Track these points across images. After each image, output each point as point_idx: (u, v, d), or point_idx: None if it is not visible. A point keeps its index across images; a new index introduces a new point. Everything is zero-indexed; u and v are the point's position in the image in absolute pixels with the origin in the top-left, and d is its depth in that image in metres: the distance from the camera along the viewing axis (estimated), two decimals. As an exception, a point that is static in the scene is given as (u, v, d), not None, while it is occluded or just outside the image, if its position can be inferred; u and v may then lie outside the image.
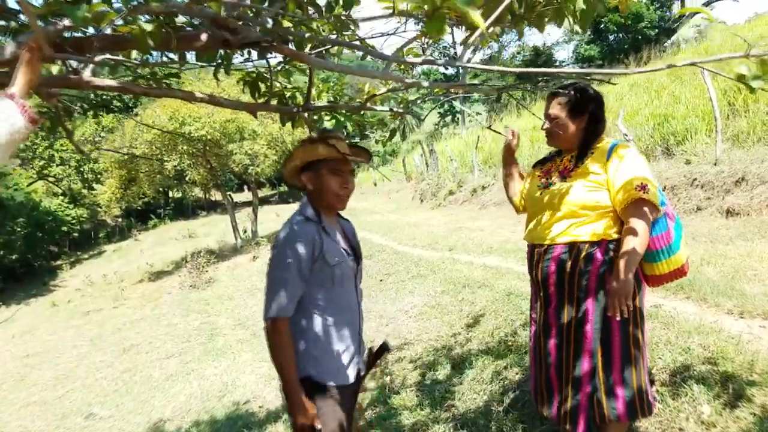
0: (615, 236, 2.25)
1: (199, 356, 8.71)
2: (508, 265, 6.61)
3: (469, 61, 3.01)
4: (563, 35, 39.07)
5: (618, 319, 2.16)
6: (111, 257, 29.93)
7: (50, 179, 35.03)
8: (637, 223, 2.15)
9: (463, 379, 3.83)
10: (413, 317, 5.68)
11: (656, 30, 29.41)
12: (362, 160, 2.27)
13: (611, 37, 34.70)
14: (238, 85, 2.90)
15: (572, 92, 2.38)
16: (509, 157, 2.82)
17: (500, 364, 3.79)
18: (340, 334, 2.12)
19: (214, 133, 18.37)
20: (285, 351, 1.95)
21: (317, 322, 2.08)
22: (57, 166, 34.44)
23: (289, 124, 2.84)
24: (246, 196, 37.38)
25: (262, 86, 2.83)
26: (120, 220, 39.79)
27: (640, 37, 30.83)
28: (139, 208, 33.26)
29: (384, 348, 2.38)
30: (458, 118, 38.72)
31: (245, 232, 22.84)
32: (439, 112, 43.09)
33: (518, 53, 39.95)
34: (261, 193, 42.77)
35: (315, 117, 2.82)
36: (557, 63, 40.39)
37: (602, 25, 32.72)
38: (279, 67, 2.82)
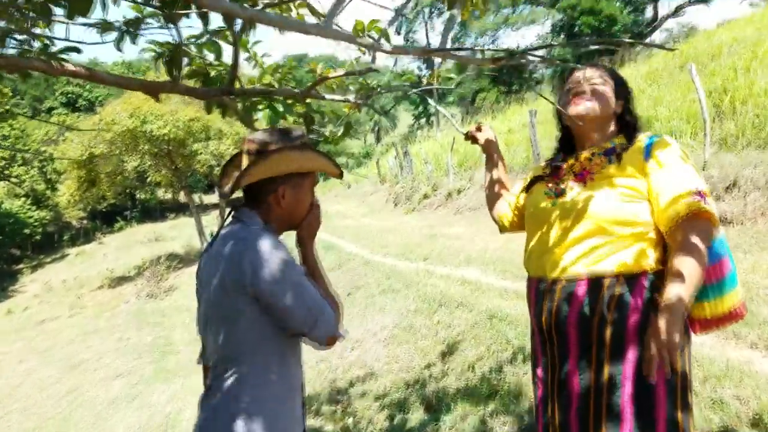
0: (655, 266, 1.60)
1: (147, 377, 7.96)
2: (488, 279, 6.00)
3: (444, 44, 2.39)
4: (537, 38, 38.97)
5: (654, 380, 1.50)
6: (74, 261, 28.93)
7: (12, 180, 33.68)
8: (694, 247, 1.49)
9: (438, 426, 3.18)
10: (383, 341, 5.01)
11: (630, 34, 29.31)
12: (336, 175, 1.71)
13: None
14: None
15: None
16: (489, 156, 2.15)
17: (484, 409, 3.15)
18: (287, 399, 1.52)
19: (178, 132, 17.63)
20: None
21: (266, 376, 1.46)
22: (19, 166, 33.19)
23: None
24: (216, 197, 36.50)
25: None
26: (85, 222, 38.55)
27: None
28: (104, 210, 32.21)
29: None
30: (433, 120, 38.29)
31: (212, 235, 22.14)
32: (414, 114, 42.59)
33: (492, 56, 39.67)
34: (231, 195, 41.81)
35: (247, 103, 2.15)
36: (531, 65, 40.18)
37: (576, 29, 32.68)
38: (203, 38, 2.17)
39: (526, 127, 14.78)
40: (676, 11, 30.41)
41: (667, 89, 11.65)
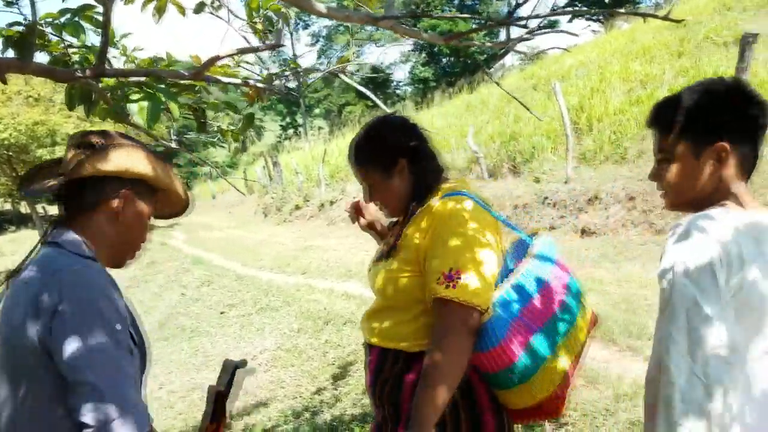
0: None
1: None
2: (372, 294, 5.77)
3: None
4: (400, 56, 40.22)
5: None
6: None
7: None
8: (438, 339, 1.34)
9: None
10: (264, 365, 4.57)
11: (485, 55, 31.01)
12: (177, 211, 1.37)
13: (444, 61, 36.59)
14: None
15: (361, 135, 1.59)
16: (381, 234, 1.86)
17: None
18: None
19: (20, 136, 15.91)
20: None
21: None
22: None
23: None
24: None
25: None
26: None
27: (469, 61, 32.77)
28: (-66, 222, 28.11)
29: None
30: (301, 131, 38.01)
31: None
32: (281, 125, 41.99)
33: (357, 71, 40.37)
34: (80, 206, 38.72)
35: (118, 91, 1.73)
36: (394, 82, 41.60)
37: (436, 49, 34.19)
38: (62, 19, 1.72)
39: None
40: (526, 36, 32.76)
41: (523, 108, 12.32)
